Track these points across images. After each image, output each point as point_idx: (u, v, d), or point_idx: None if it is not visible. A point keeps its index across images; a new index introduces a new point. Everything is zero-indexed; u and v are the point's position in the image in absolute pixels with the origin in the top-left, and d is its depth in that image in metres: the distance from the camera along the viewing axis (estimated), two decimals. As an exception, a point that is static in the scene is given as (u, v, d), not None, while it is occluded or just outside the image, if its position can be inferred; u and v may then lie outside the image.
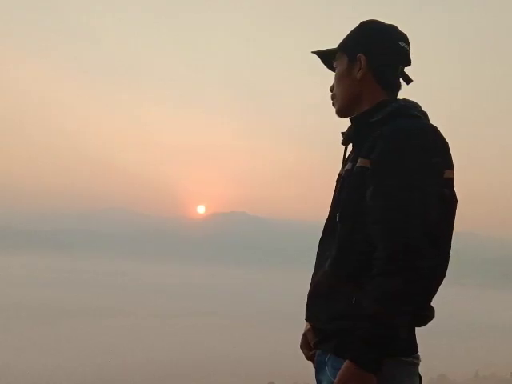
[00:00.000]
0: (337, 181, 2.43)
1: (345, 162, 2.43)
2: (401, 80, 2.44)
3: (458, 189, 2.25)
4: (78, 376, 75.79)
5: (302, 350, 2.50)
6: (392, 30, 2.42)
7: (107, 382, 74.15)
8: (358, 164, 2.25)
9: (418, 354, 2.27)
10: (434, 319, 2.27)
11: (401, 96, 2.43)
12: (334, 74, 2.52)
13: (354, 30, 2.48)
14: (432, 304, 2.24)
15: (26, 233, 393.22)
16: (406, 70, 2.45)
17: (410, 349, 2.24)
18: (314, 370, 2.40)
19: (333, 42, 2.53)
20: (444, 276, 2.20)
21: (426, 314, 2.22)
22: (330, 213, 2.39)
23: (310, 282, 2.41)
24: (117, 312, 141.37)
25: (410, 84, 2.46)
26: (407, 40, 2.41)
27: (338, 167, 2.48)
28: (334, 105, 2.52)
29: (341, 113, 2.49)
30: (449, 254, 2.22)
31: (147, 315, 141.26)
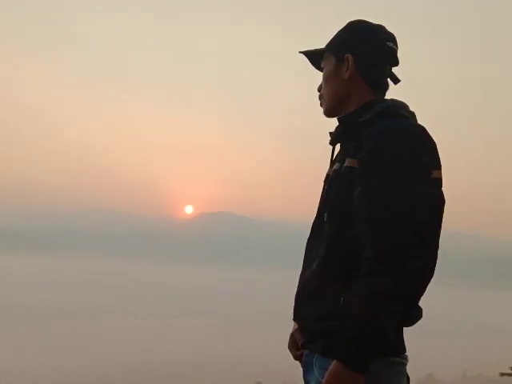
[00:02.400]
0: (324, 181, 2.43)
1: (332, 162, 2.43)
2: (389, 80, 2.44)
3: (449, 189, 2.26)
4: (77, 376, 75.66)
5: (289, 350, 2.50)
6: (380, 29, 2.42)
7: (107, 382, 74.06)
8: (345, 164, 2.25)
9: (406, 354, 2.27)
10: (422, 319, 2.27)
11: (389, 96, 2.43)
12: (321, 73, 2.52)
13: (341, 30, 2.47)
14: (421, 304, 2.24)
15: (24, 233, 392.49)
16: (394, 70, 2.45)
17: (398, 349, 2.24)
18: (301, 370, 2.40)
19: (321, 42, 2.53)
20: (432, 276, 2.19)
21: (413, 314, 2.22)
22: (317, 213, 2.39)
23: (297, 281, 2.41)
24: (113, 312, 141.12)
25: (398, 84, 2.47)
26: (395, 40, 2.41)
27: (325, 167, 2.47)
28: (321, 105, 2.52)
29: (328, 113, 2.49)
30: (437, 253, 2.22)
31: (144, 315, 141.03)
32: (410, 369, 2.29)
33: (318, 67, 2.54)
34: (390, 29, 2.45)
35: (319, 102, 2.53)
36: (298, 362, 2.46)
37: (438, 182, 2.22)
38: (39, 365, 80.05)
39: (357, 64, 2.37)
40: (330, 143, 2.45)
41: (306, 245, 2.42)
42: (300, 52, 2.54)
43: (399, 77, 2.46)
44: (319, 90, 2.53)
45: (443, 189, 2.24)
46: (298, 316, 2.40)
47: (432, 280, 2.23)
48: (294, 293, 2.43)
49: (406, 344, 2.28)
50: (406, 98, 2.40)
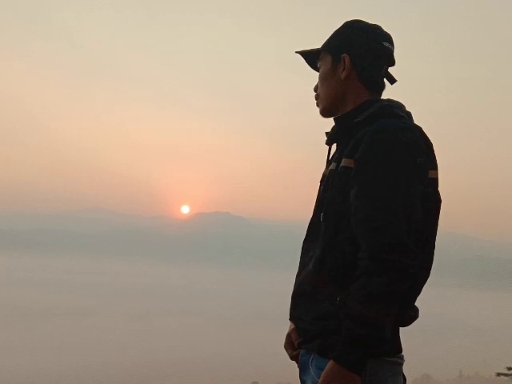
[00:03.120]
0: (321, 181, 2.43)
1: (329, 162, 2.43)
2: (385, 80, 2.44)
3: (444, 189, 2.27)
4: (77, 376, 75.62)
5: (285, 349, 2.50)
6: (376, 29, 2.42)
7: (87, 381, 73.94)
8: (342, 164, 2.24)
9: (402, 354, 2.27)
10: (418, 319, 2.28)
11: (385, 96, 2.43)
12: (316, 73, 2.52)
13: (338, 29, 2.47)
14: (417, 304, 2.25)
15: (4, 233, 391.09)
16: (390, 70, 2.45)
17: (394, 349, 2.24)
18: (297, 369, 2.40)
19: (315, 42, 2.52)
20: (428, 276, 2.21)
21: (410, 314, 2.23)
22: (313, 213, 2.39)
23: (293, 282, 2.41)
24: (96, 312, 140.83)
25: (395, 84, 2.46)
26: (391, 40, 2.41)
27: (321, 167, 2.47)
28: (318, 105, 2.51)
29: (325, 113, 2.49)
30: (433, 253, 2.24)
31: (142, 315, 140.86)
32: (406, 369, 2.29)
33: (315, 67, 2.54)
34: (386, 29, 2.45)
35: (315, 102, 2.53)
36: (294, 361, 2.47)
37: (435, 182, 2.23)
38: (29, 364, 79.96)
39: (353, 64, 2.38)
40: (327, 143, 2.45)
41: (302, 245, 2.42)
42: (296, 52, 2.54)
43: (396, 77, 2.46)
44: (315, 90, 2.53)
45: (439, 189, 2.25)
46: (294, 316, 2.40)
47: (428, 280, 2.24)
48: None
49: (402, 344, 2.28)
50: (403, 98, 2.40)
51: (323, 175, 2.42)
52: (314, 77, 2.54)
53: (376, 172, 2.12)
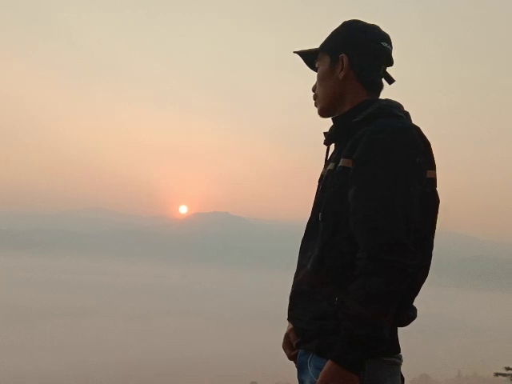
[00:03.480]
0: (319, 181, 2.43)
1: (327, 162, 2.43)
2: (383, 80, 2.44)
3: (443, 188, 2.27)
4: (61, 377, 75.41)
5: (284, 350, 2.49)
6: (374, 29, 2.41)
7: (87, 381, 73.84)
8: (340, 164, 2.24)
9: (401, 353, 2.28)
10: (416, 319, 2.28)
11: (385, 96, 2.43)
12: (315, 73, 2.52)
13: (336, 29, 2.47)
14: (415, 304, 2.25)
15: (4, 233, 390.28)
16: (390, 69, 2.44)
17: (393, 349, 2.24)
18: (296, 369, 2.40)
19: (315, 42, 2.52)
20: (426, 275, 2.21)
21: (408, 314, 2.23)
22: (312, 212, 2.39)
23: (291, 281, 2.41)
24: (96, 312, 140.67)
25: (394, 84, 2.46)
26: (389, 40, 2.41)
27: (321, 167, 2.47)
28: (316, 105, 2.51)
29: (323, 113, 2.49)
30: (431, 253, 2.24)
31: (141, 315, 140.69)
32: (404, 369, 2.29)
33: (313, 67, 2.54)
34: (385, 29, 2.44)
35: (314, 102, 2.53)
36: (292, 361, 2.46)
37: (433, 182, 2.24)
38: (28, 364, 79.83)
39: (351, 64, 2.37)
40: (325, 143, 2.45)
41: (300, 245, 2.42)
42: (294, 52, 2.54)
43: (395, 77, 2.46)
44: (314, 90, 2.52)
45: (438, 189, 2.26)
46: (292, 316, 2.40)
47: (427, 280, 2.24)
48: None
49: (400, 344, 2.28)
50: (402, 98, 2.40)
51: (321, 175, 2.42)
52: (313, 77, 2.54)
53: (375, 172, 2.12)
